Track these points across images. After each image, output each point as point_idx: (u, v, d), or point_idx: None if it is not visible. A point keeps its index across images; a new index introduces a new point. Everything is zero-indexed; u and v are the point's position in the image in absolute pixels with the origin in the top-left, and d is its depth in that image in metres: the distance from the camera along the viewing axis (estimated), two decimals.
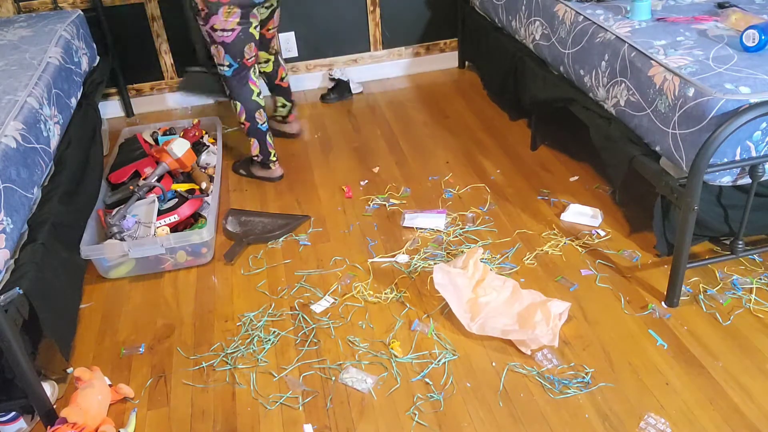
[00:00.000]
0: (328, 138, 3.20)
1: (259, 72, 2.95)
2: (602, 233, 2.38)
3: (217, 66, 2.62)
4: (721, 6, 2.34)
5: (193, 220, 2.51)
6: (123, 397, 1.87)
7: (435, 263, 2.21)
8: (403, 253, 2.35)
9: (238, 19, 2.45)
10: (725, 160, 1.84)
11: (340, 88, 3.62)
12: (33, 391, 1.70)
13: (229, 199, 2.79)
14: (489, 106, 3.39)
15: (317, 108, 3.54)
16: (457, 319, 1.98)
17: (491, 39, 3.26)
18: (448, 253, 2.34)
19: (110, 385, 1.86)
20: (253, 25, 2.52)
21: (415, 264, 2.29)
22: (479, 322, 1.97)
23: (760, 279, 2.10)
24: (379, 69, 3.76)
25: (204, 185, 2.67)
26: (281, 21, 3.54)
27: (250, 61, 2.60)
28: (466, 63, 3.87)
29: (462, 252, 2.24)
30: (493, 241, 2.38)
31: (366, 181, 2.82)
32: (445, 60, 3.87)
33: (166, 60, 3.53)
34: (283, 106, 3.12)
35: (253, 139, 2.77)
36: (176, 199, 2.49)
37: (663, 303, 2.05)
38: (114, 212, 2.40)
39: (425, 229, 2.47)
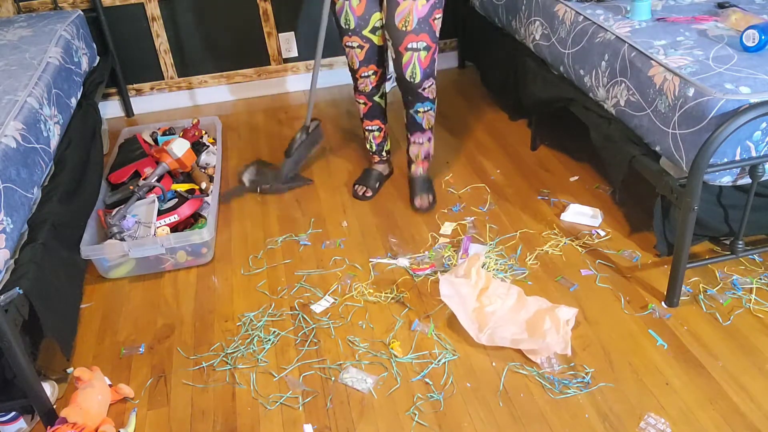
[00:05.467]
0: (327, 138, 3.19)
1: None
2: (602, 233, 2.37)
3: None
4: (721, 6, 2.34)
5: (193, 220, 2.51)
6: (123, 397, 1.87)
7: (438, 273, 2.20)
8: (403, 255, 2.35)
9: None
10: (725, 160, 1.84)
11: None
12: (33, 391, 1.70)
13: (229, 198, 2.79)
14: (489, 106, 3.39)
15: (317, 107, 3.54)
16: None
17: (491, 39, 3.26)
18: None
19: (110, 385, 1.86)
20: None
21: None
22: (488, 333, 1.92)
23: (760, 279, 2.10)
24: None
25: (204, 185, 2.67)
26: (281, 20, 3.55)
27: None
28: (466, 63, 3.87)
29: (462, 258, 2.24)
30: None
31: None
32: (445, 60, 3.87)
33: (166, 60, 3.53)
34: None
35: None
36: (176, 199, 2.49)
37: (663, 303, 2.04)
38: (114, 212, 2.40)
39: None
